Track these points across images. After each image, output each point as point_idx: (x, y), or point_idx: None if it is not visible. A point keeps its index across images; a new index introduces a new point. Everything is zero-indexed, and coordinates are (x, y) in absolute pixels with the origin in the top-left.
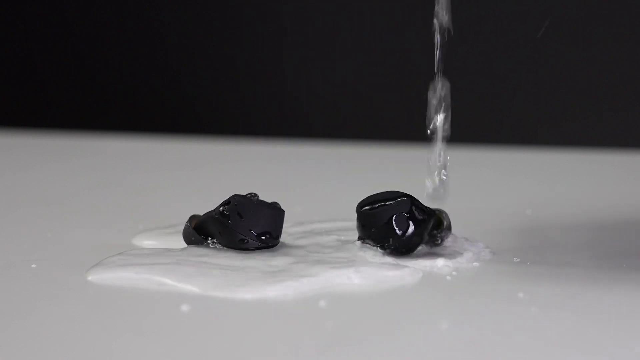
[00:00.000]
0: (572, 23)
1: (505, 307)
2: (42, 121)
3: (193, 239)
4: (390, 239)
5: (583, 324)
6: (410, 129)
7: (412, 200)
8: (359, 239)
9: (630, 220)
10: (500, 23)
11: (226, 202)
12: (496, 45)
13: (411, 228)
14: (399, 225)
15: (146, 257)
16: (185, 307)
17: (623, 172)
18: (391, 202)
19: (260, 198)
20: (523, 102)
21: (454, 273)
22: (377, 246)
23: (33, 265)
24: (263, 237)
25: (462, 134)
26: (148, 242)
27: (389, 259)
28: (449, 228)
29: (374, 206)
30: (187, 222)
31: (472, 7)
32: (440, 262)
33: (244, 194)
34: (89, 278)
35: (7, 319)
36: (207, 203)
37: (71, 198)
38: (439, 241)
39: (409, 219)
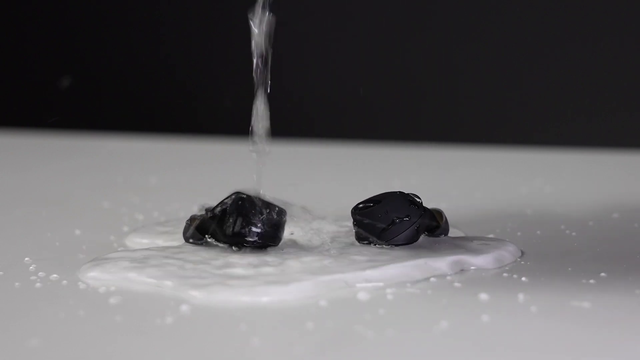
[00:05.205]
0: (572, 23)
1: (506, 307)
2: (42, 121)
3: (193, 238)
4: (377, 234)
5: (583, 325)
6: (409, 129)
7: (403, 196)
8: (357, 239)
9: (630, 221)
10: (500, 23)
11: (226, 200)
12: (496, 45)
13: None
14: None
15: (145, 257)
16: (184, 307)
17: (623, 172)
18: (383, 199)
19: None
20: (523, 102)
21: (453, 273)
22: (373, 244)
23: (33, 266)
24: (263, 237)
25: (462, 133)
26: (147, 242)
27: (389, 258)
28: (447, 225)
29: (367, 205)
30: (187, 220)
31: (471, 7)
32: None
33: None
34: (87, 278)
35: (7, 319)
36: (207, 203)
37: (71, 198)
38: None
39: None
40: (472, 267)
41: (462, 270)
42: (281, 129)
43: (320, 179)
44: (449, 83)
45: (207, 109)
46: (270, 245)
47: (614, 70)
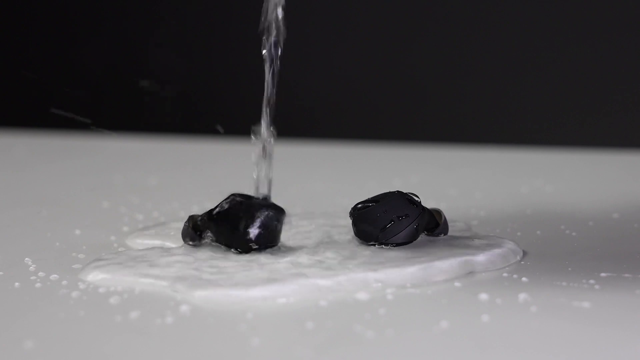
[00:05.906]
0: (572, 23)
1: (506, 307)
2: (42, 121)
3: (191, 239)
4: (376, 233)
5: (583, 325)
6: (409, 129)
7: (402, 195)
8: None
9: (630, 221)
10: (501, 23)
11: (225, 201)
12: (497, 46)
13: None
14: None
15: (144, 257)
16: (184, 307)
17: (623, 172)
18: (382, 199)
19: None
20: (523, 102)
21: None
22: (372, 244)
23: (33, 266)
24: (261, 238)
25: (462, 133)
26: (146, 242)
27: (388, 258)
28: (446, 224)
29: (366, 204)
30: (185, 221)
31: (472, 7)
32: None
33: (250, 193)
34: (86, 278)
35: (7, 319)
36: (206, 203)
37: (71, 198)
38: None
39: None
40: (476, 268)
41: (471, 272)
42: (282, 129)
43: (320, 179)
44: (449, 83)
45: (207, 109)
46: (269, 247)
47: (613, 70)
